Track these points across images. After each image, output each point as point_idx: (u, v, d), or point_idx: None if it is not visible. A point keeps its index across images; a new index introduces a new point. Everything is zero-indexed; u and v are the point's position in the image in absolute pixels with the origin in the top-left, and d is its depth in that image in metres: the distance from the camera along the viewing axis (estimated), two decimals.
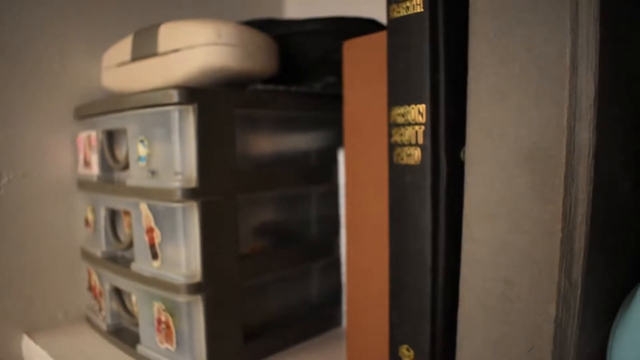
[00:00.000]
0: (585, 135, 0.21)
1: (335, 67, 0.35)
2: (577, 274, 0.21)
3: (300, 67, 0.41)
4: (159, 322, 0.34)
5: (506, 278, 0.23)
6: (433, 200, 0.26)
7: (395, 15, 0.26)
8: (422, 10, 0.25)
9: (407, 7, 0.26)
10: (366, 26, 0.36)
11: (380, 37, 0.29)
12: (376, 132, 0.32)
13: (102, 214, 0.40)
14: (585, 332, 0.22)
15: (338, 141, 0.41)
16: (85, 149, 0.42)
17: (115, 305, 0.41)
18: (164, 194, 0.32)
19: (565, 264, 0.21)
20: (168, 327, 0.34)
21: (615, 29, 0.21)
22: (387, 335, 0.29)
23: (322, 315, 0.42)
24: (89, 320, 0.45)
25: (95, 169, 0.40)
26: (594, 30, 0.20)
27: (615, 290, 0.24)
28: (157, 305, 0.34)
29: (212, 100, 0.32)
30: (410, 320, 0.28)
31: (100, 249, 0.41)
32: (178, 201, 0.31)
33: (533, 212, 0.22)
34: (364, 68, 0.32)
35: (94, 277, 0.43)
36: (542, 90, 0.21)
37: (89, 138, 0.41)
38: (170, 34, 0.35)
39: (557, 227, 0.21)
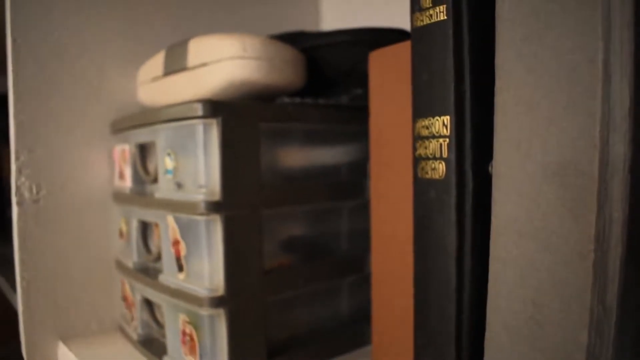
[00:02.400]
0: (620, 149, 0.19)
1: (363, 79, 0.35)
2: (612, 299, 0.20)
3: (328, 80, 0.40)
4: (184, 334, 0.34)
5: (535, 300, 0.22)
6: (458, 217, 0.25)
7: (419, 24, 0.26)
8: (445, 18, 0.24)
9: (431, 16, 0.25)
10: (395, 37, 0.36)
11: (406, 47, 0.28)
12: (402, 145, 0.31)
13: (134, 225, 0.41)
14: None
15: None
16: (120, 162, 0.43)
17: (145, 315, 0.41)
18: (188, 207, 0.32)
19: (598, 287, 0.20)
20: (192, 339, 0.34)
21: None
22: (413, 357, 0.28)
23: (351, 333, 0.41)
24: (121, 330, 0.46)
25: (128, 182, 0.41)
26: (628, 34, 0.18)
27: None
28: (182, 317, 0.34)
29: (237, 114, 0.32)
30: (435, 343, 0.27)
31: (132, 259, 0.41)
32: (202, 214, 0.31)
33: (563, 230, 0.20)
34: (389, 79, 0.31)
35: (127, 288, 0.43)
36: (572, 99, 0.20)
37: (123, 151, 0.42)
38: (199, 48, 0.35)
39: (589, 248, 0.20)
